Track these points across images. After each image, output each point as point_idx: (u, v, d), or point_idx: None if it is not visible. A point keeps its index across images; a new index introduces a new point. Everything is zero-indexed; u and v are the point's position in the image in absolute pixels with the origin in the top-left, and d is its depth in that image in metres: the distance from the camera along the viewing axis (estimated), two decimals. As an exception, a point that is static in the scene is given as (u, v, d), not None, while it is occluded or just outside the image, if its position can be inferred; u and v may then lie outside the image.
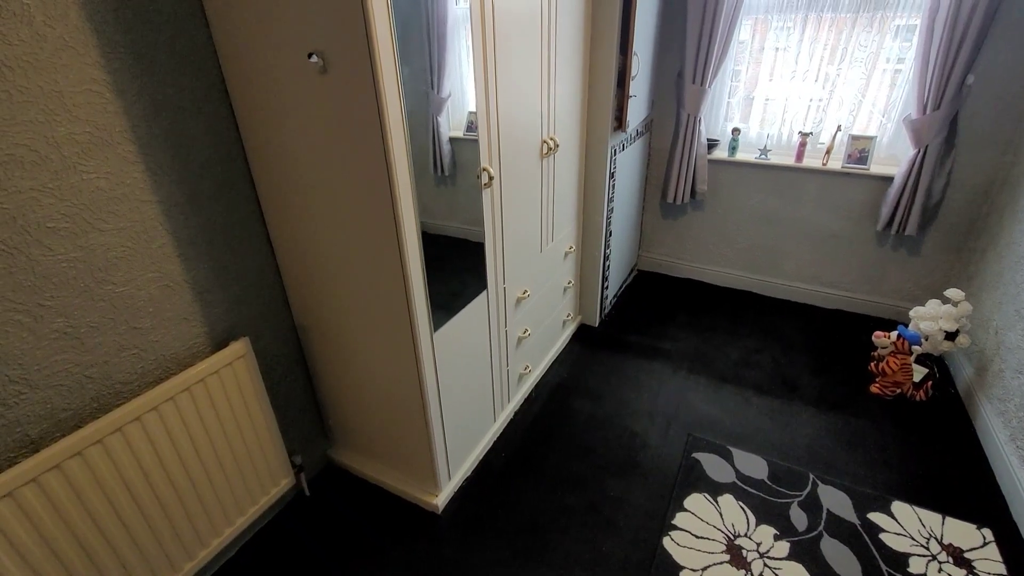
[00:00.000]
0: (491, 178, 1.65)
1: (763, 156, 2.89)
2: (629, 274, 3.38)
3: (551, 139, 2.02)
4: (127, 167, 1.22)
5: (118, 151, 1.20)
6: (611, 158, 2.49)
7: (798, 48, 2.68)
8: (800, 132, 2.78)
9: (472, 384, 1.88)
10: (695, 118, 2.82)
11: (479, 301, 1.78)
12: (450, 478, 1.87)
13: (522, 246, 1.99)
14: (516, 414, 2.27)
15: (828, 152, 2.73)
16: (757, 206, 3.02)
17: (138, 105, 1.22)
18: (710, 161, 3.00)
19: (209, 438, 1.45)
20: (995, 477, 1.93)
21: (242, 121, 1.42)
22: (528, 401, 2.36)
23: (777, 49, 2.74)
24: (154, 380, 1.36)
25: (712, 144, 3.00)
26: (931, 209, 2.57)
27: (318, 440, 1.99)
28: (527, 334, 2.20)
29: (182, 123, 1.32)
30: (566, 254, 2.49)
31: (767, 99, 2.86)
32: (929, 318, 2.30)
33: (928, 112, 2.34)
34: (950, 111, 2.32)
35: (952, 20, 2.16)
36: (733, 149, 2.95)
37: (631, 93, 2.39)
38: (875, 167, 2.68)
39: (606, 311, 3.00)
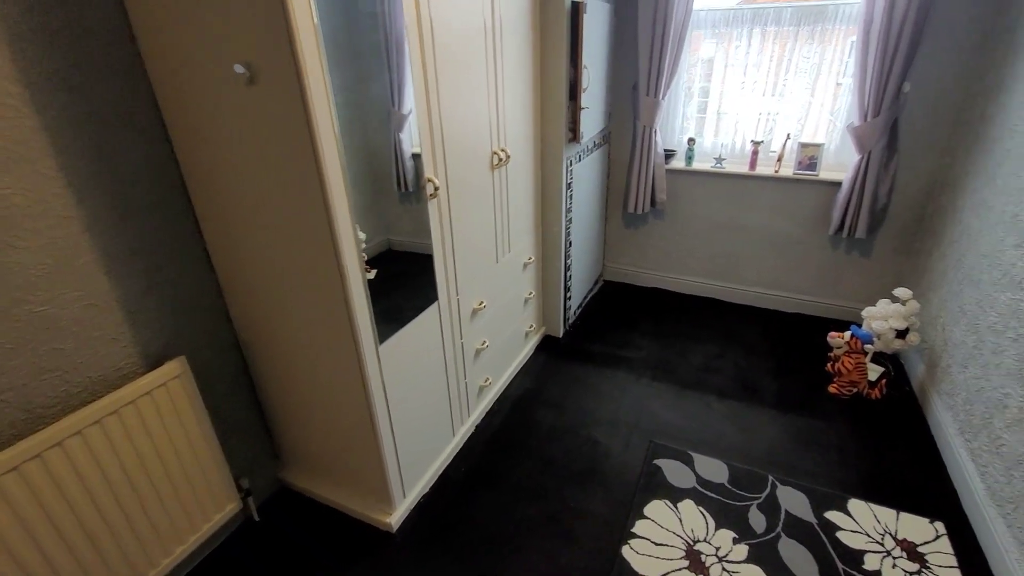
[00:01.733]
0: (436, 188, 1.64)
1: (718, 165, 2.95)
2: (595, 284, 3.39)
3: (501, 150, 2.03)
4: (46, 183, 1.19)
5: (36, 167, 1.16)
6: (567, 169, 2.51)
7: (746, 59, 2.76)
8: (752, 141, 2.85)
9: (427, 398, 1.84)
10: (651, 129, 2.87)
11: (430, 313, 1.75)
12: (405, 495, 1.82)
13: (475, 257, 1.98)
14: (477, 427, 2.24)
15: (779, 160, 2.81)
16: (715, 214, 3.07)
17: (59, 119, 1.19)
18: (668, 171, 3.06)
19: (142, 462, 1.39)
20: (947, 471, 1.96)
21: (174, 134, 1.40)
22: (490, 414, 2.32)
23: (727, 66, 2.82)
24: (79, 404, 1.30)
25: (669, 154, 3.06)
26: (878, 212, 2.65)
27: (268, 462, 1.93)
28: (485, 346, 2.18)
29: (108, 136, 1.28)
30: (525, 265, 2.48)
31: (719, 110, 2.94)
32: (880, 317, 2.34)
33: (869, 119, 2.42)
34: (889, 117, 2.40)
35: (885, 31, 2.25)
36: (689, 159, 3.01)
37: (583, 105, 2.43)
38: (824, 173, 2.76)
39: (570, 321, 3.00)
